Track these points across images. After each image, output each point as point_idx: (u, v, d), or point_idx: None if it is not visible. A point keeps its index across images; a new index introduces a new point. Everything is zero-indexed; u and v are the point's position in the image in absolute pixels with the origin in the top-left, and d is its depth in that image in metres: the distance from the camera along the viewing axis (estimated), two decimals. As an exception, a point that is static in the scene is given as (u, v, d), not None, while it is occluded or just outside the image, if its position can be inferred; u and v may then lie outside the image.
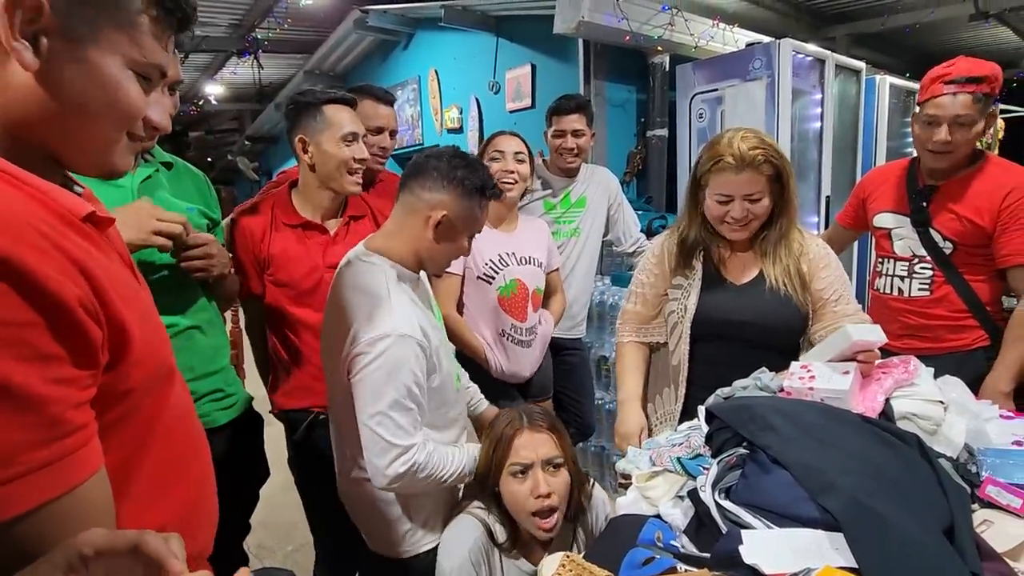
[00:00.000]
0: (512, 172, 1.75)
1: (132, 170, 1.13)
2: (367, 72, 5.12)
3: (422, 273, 1.23)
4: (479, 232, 1.20)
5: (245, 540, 1.47)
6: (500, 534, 1.11)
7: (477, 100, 3.95)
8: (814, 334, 1.33)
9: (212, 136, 9.29)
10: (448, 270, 1.71)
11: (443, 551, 1.12)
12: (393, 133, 1.77)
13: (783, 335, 1.33)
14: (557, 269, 1.99)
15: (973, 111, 1.48)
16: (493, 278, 1.74)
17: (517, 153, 1.76)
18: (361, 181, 1.42)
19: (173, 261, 1.15)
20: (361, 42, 4.83)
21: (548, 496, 1.06)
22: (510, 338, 1.75)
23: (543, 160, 2.21)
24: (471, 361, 1.75)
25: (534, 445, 1.10)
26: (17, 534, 0.46)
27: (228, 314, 1.60)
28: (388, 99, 1.75)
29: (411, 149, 4.78)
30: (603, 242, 2.36)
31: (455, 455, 1.15)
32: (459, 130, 4.17)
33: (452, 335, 1.78)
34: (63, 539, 0.44)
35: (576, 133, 2.06)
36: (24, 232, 0.46)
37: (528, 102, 3.51)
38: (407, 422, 1.05)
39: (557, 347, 2.08)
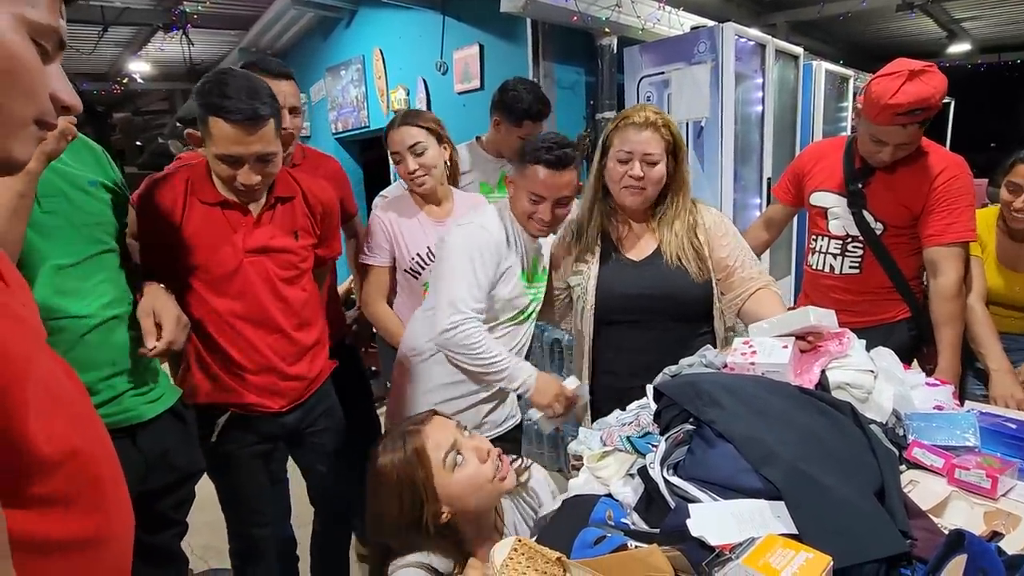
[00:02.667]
0: (415, 171, 1.61)
1: None
2: (307, 50, 4.90)
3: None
4: (542, 192, 1.36)
5: (187, 540, 1.40)
6: (444, 565, 0.97)
7: (424, 81, 3.84)
8: (728, 303, 1.41)
9: (140, 118, 8.68)
10: (374, 262, 1.68)
11: None
12: (294, 111, 1.60)
13: (683, 305, 1.39)
14: None
15: (917, 134, 1.51)
16: (419, 273, 1.65)
17: (414, 146, 1.61)
18: (253, 198, 1.28)
19: (98, 249, 1.06)
20: (300, 18, 4.60)
21: (490, 452, 0.98)
22: None
23: (479, 140, 2.18)
24: None
25: (442, 428, 0.99)
26: None
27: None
28: (280, 72, 1.56)
29: (357, 132, 4.62)
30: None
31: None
32: (407, 112, 4.06)
33: (381, 331, 1.73)
34: None
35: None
36: None
37: (477, 83, 3.44)
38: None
39: None
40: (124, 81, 5.87)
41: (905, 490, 0.83)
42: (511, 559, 0.75)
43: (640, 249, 1.43)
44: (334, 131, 4.74)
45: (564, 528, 0.84)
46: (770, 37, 3.23)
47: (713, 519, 0.72)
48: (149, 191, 1.28)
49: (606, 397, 1.40)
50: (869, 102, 1.50)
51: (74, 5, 4.15)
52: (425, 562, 0.96)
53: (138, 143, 9.64)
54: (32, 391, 0.53)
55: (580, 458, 1.04)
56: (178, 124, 7.62)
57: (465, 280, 1.30)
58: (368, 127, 4.50)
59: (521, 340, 1.49)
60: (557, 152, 1.34)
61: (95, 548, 0.61)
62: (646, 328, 1.39)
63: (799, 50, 3.55)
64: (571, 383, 1.37)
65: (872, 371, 1.04)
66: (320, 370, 1.45)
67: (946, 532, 0.69)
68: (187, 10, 4.30)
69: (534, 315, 1.51)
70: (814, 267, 1.80)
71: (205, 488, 1.41)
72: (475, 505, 0.99)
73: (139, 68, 5.78)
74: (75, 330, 1.03)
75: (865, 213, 1.65)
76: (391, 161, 1.68)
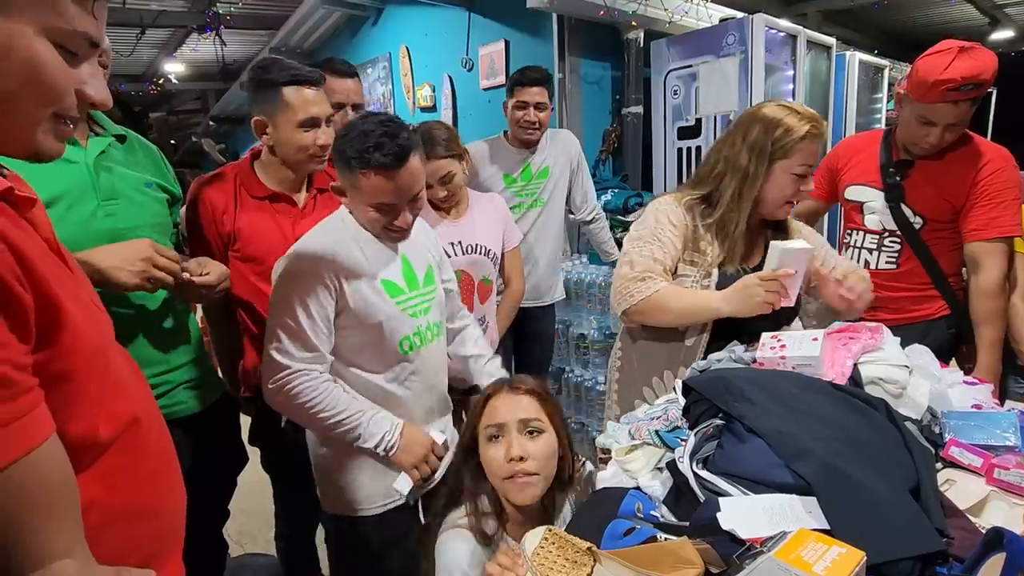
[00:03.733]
0: (444, 197, 1.68)
1: (84, 143, 1.07)
2: (336, 49, 4.97)
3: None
4: (391, 200, 1.09)
5: (225, 527, 1.45)
6: (490, 527, 0.99)
7: (450, 78, 3.87)
8: (807, 303, 1.40)
9: (174, 117, 8.95)
10: None
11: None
12: (357, 107, 1.67)
13: (790, 311, 1.35)
14: (517, 247, 1.94)
15: (967, 113, 1.46)
16: None
17: (444, 177, 1.66)
18: (324, 161, 1.34)
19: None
20: (328, 17, 4.68)
21: (522, 460, 0.96)
22: None
23: (505, 135, 2.20)
24: None
25: (511, 406, 1.01)
26: None
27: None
28: (347, 71, 1.64)
29: (384, 129, 4.67)
30: (577, 221, 2.38)
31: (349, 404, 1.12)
32: (432, 108, 4.09)
33: None
34: (13, 511, 0.42)
35: (539, 106, 2.06)
36: None
37: (502, 79, 3.45)
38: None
39: (524, 314, 2.11)
40: (160, 82, 6.05)
41: (942, 489, 0.82)
42: (542, 547, 0.76)
43: (752, 256, 1.38)
44: (361, 128, 4.80)
45: (593, 520, 0.85)
46: (801, 27, 3.15)
47: (744, 513, 0.72)
48: (201, 191, 1.35)
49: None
50: (916, 81, 1.45)
51: (113, 9, 4.31)
52: (474, 524, 0.99)
53: (172, 142, 9.95)
54: (98, 380, 0.58)
55: (608, 451, 1.05)
56: (211, 123, 7.83)
57: (293, 323, 1.08)
58: (394, 124, 4.55)
59: (433, 364, 1.29)
60: (391, 148, 1.03)
61: (147, 518, 0.65)
62: (743, 329, 1.29)
63: (831, 40, 3.45)
64: (438, 436, 1.20)
65: (907, 366, 1.02)
66: None
67: (984, 531, 0.68)
68: (220, 11, 4.42)
69: (435, 331, 1.25)
70: None
71: (240, 476, 1.46)
72: (497, 486, 1.00)
73: (174, 69, 5.96)
74: (133, 327, 1.09)
75: (903, 207, 1.61)
76: None
